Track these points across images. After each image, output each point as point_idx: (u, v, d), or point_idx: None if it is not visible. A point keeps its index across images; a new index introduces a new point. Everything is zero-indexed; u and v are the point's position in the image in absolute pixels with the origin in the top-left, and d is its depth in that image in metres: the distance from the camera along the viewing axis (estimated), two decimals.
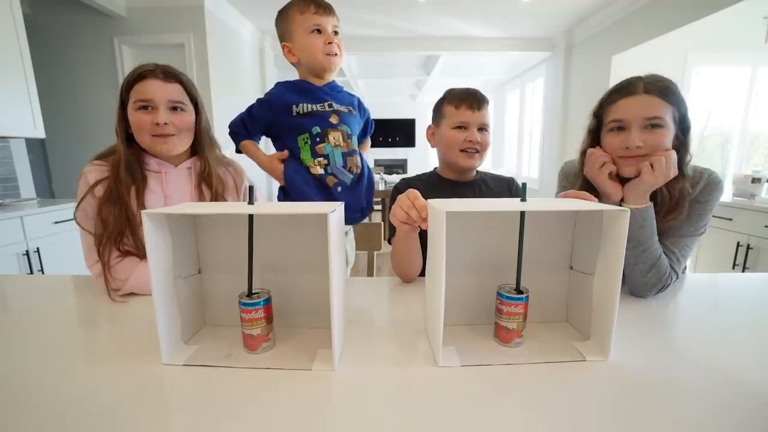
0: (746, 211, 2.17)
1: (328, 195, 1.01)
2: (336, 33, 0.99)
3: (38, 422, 0.41)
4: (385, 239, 1.13)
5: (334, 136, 1.00)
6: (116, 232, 0.81)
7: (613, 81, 0.84)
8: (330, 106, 1.01)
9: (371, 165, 1.13)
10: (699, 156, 3.38)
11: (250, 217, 0.55)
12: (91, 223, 0.82)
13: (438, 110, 1.01)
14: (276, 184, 1.07)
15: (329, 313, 0.51)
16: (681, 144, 0.77)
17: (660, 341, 0.60)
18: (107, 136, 0.84)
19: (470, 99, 0.94)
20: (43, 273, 2.00)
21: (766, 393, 0.46)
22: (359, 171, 1.05)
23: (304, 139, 0.99)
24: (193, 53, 3.07)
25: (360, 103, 1.13)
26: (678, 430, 0.40)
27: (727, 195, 2.43)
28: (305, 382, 0.49)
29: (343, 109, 1.04)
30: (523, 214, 0.57)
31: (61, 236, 2.12)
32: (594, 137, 0.84)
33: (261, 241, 0.58)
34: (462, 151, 0.95)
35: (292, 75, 1.06)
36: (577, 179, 0.86)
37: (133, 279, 0.79)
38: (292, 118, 0.99)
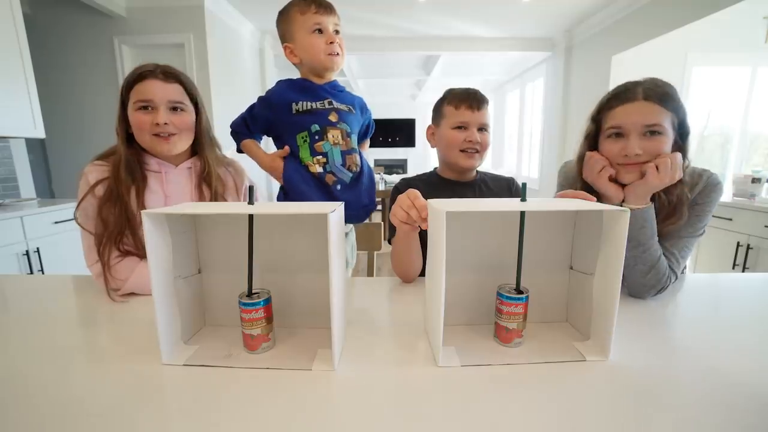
0: (746, 211, 2.17)
1: (327, 194, 1.01)
2: (337, 32, 0.99)
3: (38, 422, 0.41)
4: (385, 239, 1.13)
5: (333, 134, 1.00)
6: (116, 231, 0.81)
7: (614, 81, 0.84)
8: (330, 103, 1.01)
9: (371, 165, 1.13)
10: (699, 156, 3.40)
11: (250, 217, 0.55)
12: (91, 222, 0.82)
13: (438, 110, 1.01)
14: (276, 185, 1.07)
15: (329, 313, 0.51)
16: (679, 149, 0.77)
17: (660, 341, 0.60)
18: (107, 136, 0.85)
19: (470, 99, 0.94)
20: (43, 273, 2.00)
21: (767, 394, 0.46)
22: (358, 169, 1.05)
23: (303, 138, 0.99)
24: (193, 53, 3.07)
25: (363, 104, 1.12)
26: (678, 430, 0.40)
27: (727, 195, 2.43)
28: (305, 382, 0.49)
29: (342, 107, 1.03)
30: (523, 214, 0.57)
31: (61, 236, 2.12)
32: (592, 142, 0.83)
33: (261, 241, 0.58)
34: (462, 151, 0.95)
35: (292, 75, 1.06)
36: (577, 181, 0.86)
37: (132, 279, 0.79)
38: (291, 116, 0.99)
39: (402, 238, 0.81)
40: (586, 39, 3.91)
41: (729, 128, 3.34)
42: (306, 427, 0.41)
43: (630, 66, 3.34)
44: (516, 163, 6.31)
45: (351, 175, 1.03)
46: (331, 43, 0.97)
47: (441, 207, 0.51)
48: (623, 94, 0.77)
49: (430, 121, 1.06)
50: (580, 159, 0.84)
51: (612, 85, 0.81)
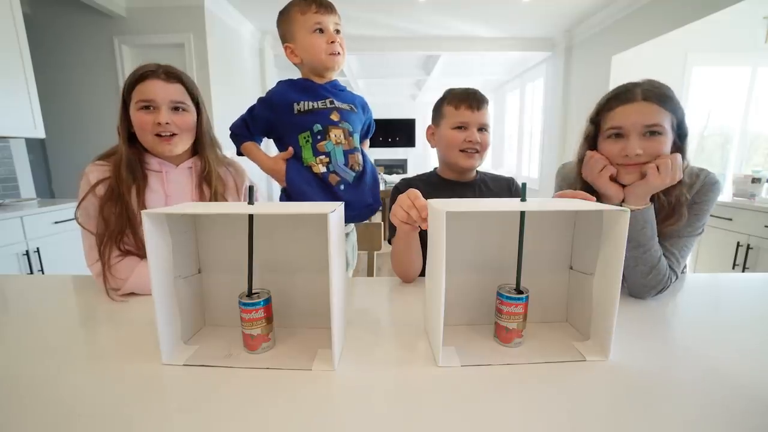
0: (746, 211, 2.17)
1: (330, 194, 1.01)
2: (338, 32, 0.99)
3: (38, 422, 0.42)
4: (385, 239, 1.13)
5: (336, 134, 1.00)
6: (117, 231, 0.81)
7: (614, 81, 0.84)
8: (331, 103, 1.01)
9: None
10: (699, 156, 3.40)
11: (250, 217, 0.55)
12: (92, 222, 0.83)
13: (438, 110, 1.01)
14: (276, 185, 1.07)
15: (329, 313, 0.51)
16: (678, 150, 0.77)
17: (660, 341, 0.60)
18: (107, 136, 0.85)
19: (470, 99, 0.94)
20: (43, 273, 2.00)
21: (766, 394, 0.46)
22: (361, 168, 1.04)
23: (305, 138, 0.99)
24: (193, 53, 3.07)
25: (364, 103, 1.12)
26: (678, 430, 0.40)
27: (727, 195, 2.43)
28: (305, 382, 0.49)
29: (344, 106, 1.03)
30: (523, 214, 0.57)
31: (61, 236, 2.12)
32: (591, 144, 0.83)
33: (261, 241, 0.58)
34: (462, 151, 0.95)
35: (293, 75, 1.06)
36: (576, 183, 0.86)
37: (133, 278, 0.79)
38: (293, 116, 0.98)
39: (402, 238, 0.81)
40: (586, 39, 3.91)
41: (729, 128, 3.34)
42: (306, 427, 0.41)
43: (630, 66, 3.35)
44: (516, 163, 6.31)
45: (354, 174, 1.03)
46: (332, 42, 0.97)
47: (441, 207, 0.51)
48: (622, 95, 0.77)
49: (430, 121, 1.05)
50: (580, 161, 0.84)
51: (612, 85, 0.81)
